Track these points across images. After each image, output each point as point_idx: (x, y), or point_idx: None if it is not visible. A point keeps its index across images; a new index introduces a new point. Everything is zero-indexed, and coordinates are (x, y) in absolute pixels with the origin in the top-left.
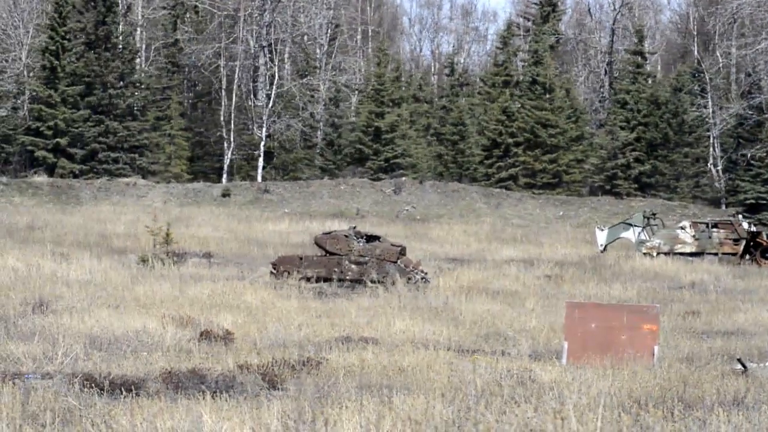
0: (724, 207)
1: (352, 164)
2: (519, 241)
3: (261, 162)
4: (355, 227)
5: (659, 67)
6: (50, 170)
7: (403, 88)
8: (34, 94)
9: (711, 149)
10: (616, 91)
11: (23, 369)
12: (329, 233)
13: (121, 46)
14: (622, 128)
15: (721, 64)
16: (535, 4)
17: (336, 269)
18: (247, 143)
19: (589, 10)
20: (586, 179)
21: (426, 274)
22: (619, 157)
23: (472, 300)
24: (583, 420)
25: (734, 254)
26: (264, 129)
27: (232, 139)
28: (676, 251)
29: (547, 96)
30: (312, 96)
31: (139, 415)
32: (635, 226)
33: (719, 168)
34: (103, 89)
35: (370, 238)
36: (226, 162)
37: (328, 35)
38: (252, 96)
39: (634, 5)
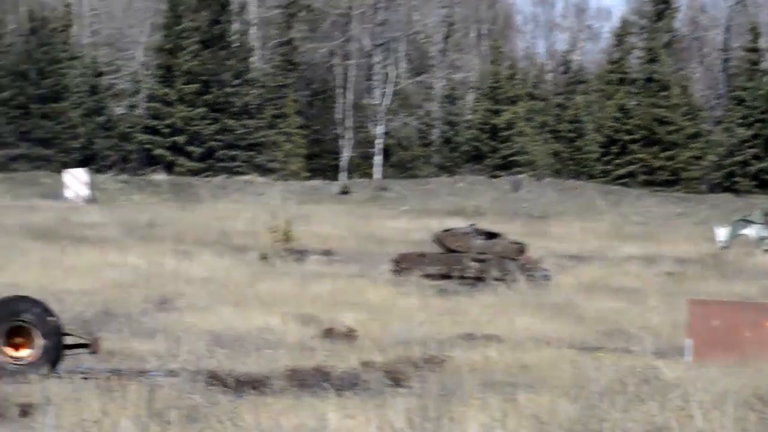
0: None
1: (470, 162)
2: (639, 239)
3: (378, 159)
4: (474, 225)
5: None
6: (169, 168)
7: (519, 86)
8: (151, 92)
9: None
10: (732, 88)
11: (148, 366)
12: (449, 230)
13: (235, 45)
14: (739, 125)
15: None
16: (649, 1)
17: (457, 267)
18: (364, 141)
19: (702, 7)
20: (704, 176)
21: (547, 271)
22: (737, 155)
23: (593, 297)
24: (709, 418)
25: None
26: (381, 127)
27: (349, 137)
28: None
29: (663, 93)
30: (427, 94)
31: (264, 413)
32: (756, 223)
33: None
34: (219, 87)
35: (490, 236)
36: (344, 160)
37: (443, 33)
38: (367, 94)
39: (748, 2)
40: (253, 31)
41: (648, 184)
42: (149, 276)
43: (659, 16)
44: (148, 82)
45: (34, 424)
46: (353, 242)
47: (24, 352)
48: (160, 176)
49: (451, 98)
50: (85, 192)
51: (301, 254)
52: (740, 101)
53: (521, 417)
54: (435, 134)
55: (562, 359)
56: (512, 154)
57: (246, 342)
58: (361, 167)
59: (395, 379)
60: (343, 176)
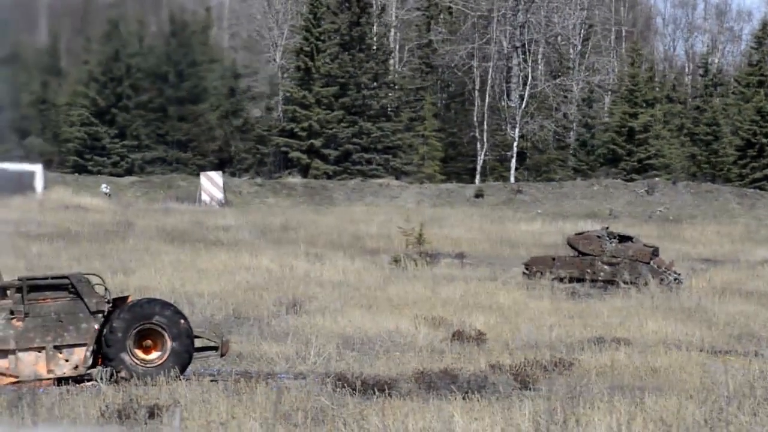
0: None
1: (605, 165)
2: None
3: (514, 163)
4: (607, 228)
5: None
6: (304, 171)
7: (657, 89)
8: (288, 95)
9: None
10: None
11: (276, 369)
12: (582, 234)
13: (375, 47)
14: None
15: None
16: None
17: (588, 270)
18: (500, 144)
19: None
20: None
21: (679, 274)
22: None
23: (725, 301)
24: None
25: None
26: (517, 129)
27: (485, 140)
28: None
29: None
30: (565, 96)
31: (390, 415)
32: None
33: None
34: (357, 90)
35: (623, 239)
36: (479, 163)
37: (582, 35)
38: (505, 96)
39: None
40: (392, 33)
41: None
42: (281, 279)
43: None
44: (285, 84)
45: (161, 426)
46: (486, 245)
47: (154, 355)
48: (295, 179)
49: (588, 101)
50: (219, 195)
51: (433, 257)
52: None
53: (648, 420)
54: (571, 137)
55: (691, 363)
56: (648, 157)
57: (375, 345)
58: (496, 170)
59: (523, 381)
60: (477, 179)
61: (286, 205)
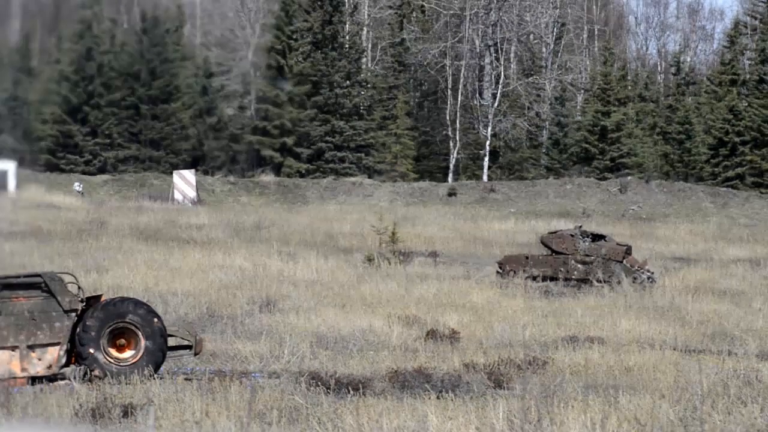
0: None
1: (578, 163)
2: (746, 241)
3: (486, 161)
4: (580, 226)
5: None
6: (277, 169)
7: (629, 87)
8: (261, 93)
9: None
10: None
11: (250, 367)
12: (555, 233)
13: (347, 46)
14: None
15: None
16: (763, 2)
17: (562, 269)
18: (473, 142)
19: None
20: None
21: (652, 273)
22: None
23: (698, 299)
24: None
25: None
26: (489, 128)
27: (458, 139)
28: None
29: None
30: (538, 95)
31: (365, 414)
32: None
33: None
34: (330, 89)
35: (596, 238)
36: (452, 161)
37: (554, 34)
38: (478, 95)
39: None
40: (365, 32)
41: (757, 186)
42: (254, 277)
43: None
44: (258, 83)
45: (135, 425)
46: (459, 244)
47: (127, 354)
48: (268, 178)
49: (560, 99)
50: (192, 194)
51: (406, 256)
52: None
53: (622, 419)
54: (544, 136)
55: (665, 362)
56: (621, 156)
57: (349, 343)
58: (469, 169)
59: (497, 380)
60: (450, 178)
61: (259, 203)
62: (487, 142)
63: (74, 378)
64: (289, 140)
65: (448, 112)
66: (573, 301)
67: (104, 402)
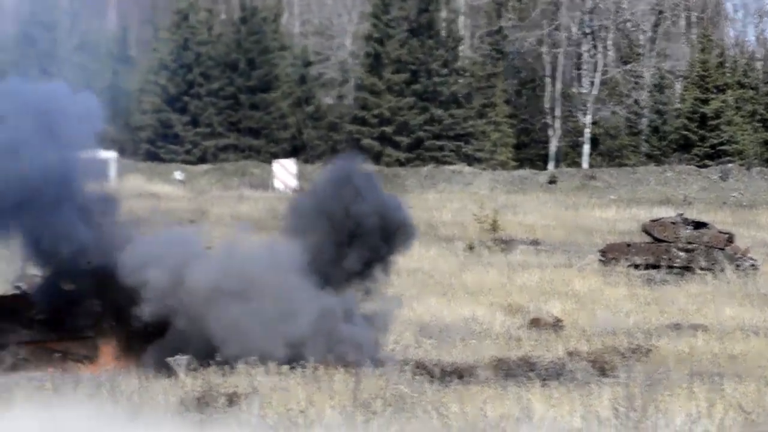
0: None
1: (678, 151)
2: None
3: (587, 149)
4: (682, 214)
5: None
6: (376, 158)
7: (728, 74)
8: (359, 82)
9: None
10: None
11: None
12: (657, 220)
13: (444, 34)
14: None
15: None
16: None
17: (664, 256)
18: (573, 130)
19: None
20: None
21: (755, 260)
22: None
23: None
24: None
25: None
26: (589, 116)
27: (557, 126)
28: None
29: None
30: (636, 83)
31: (469, 402)
32: None
33: None
34: (428, 77)
35: (698, 225)
36: (552, 149)
37: (652, 21)
38: (576, 83)
39: None
40: (461, 19)
41: None
42: None
43: None
44: (356, 71)
45: (241, 414)
46: (560, 232)
47: None
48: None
49: (659, 87)
50: (293, 182)
51: (507, 244)
52: None
53: (728, 407)
54: (643, 123)
55: None
56: (721, 143)
57: (452, 332)
58: (569, 156)
59: (601, 368)
60: (550, 165)
61: None
62: (587, 130)
63: (179, 366)
64: (388, 129)
65: (546, 99)
66: (676, 289)
67: (209, 391)
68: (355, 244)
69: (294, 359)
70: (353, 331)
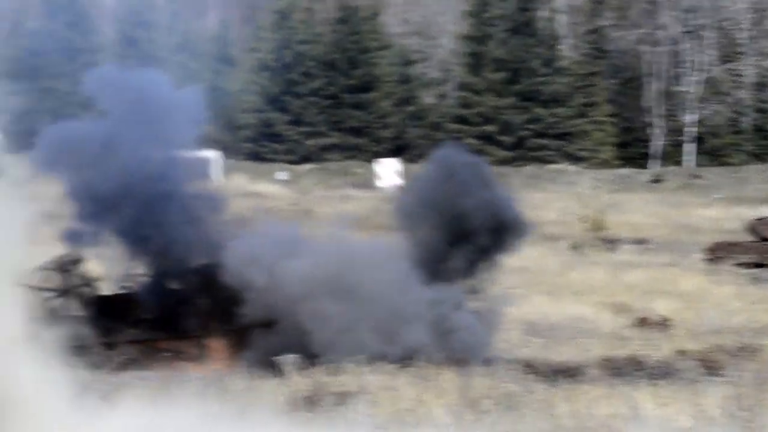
0: None
1: None
2: None
3: (690, 147)
4: None
5: None
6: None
7: None
8: (460, 81)
9: None
10: None
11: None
12: (763, 219)
13: (543, 33)
14: None
15: None
16: None
17: None
18: (675, 129)
19: None
20: None
21: None
22: None
23: None
24: None
25: None
26: (691, 115)
27: (659, 125)
28: None
29: None
30: (737, 81)
31: (577, 402)
32: None
33: None
34: (528, 76)
35: None
36: (654, 148)
37: (751, 19)
38: (677, 81)
39: None
40: (561, 18)
41: None
42: None
43: None
44: (456, 70)
45: (350, 413)
46: (665, 231)
47: None
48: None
49: (761, 85)
50: (397, 181)
51: (612, 243)
52: None
53: None
54: (746, 122)
55: None
56: None
57: (560, 331)
58: (671, 155)
59: (709, 367)
60: (653, 164)
61: None
62: (690, 129)
63: (287, 365)
64: (490, 128)
65: (647, 98)
66: None
67: (318, 390)
68: (462, 241)
69: (403, 358)
70: (464, 329)
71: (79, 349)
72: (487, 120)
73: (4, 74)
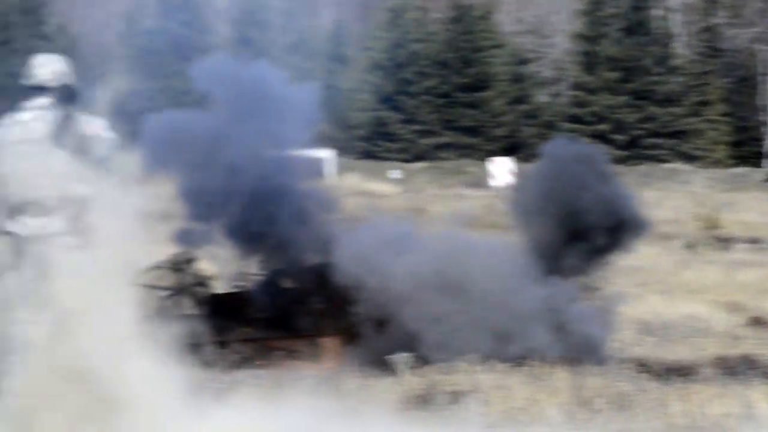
0: None
1: None
2: None
3: None
4: None
5: None
6: None
7: None
8: (574, 80)
9: None
10: None
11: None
12: None
13: (657, 31)
14: None
15: None
16: None
17: None
18: None
19: None
20: None
21: None
22: None
23: None
24: None
25: None
26: None
27: None
28: None
29: None
30: None
31: (690, 401)
32: None
33: None
34: (642, 75)
35: None
36: (766, 147)
37: None
38: None
39: None
40: (675, 17)
41: None
42: None
43: None
44: (570, 69)
45: (463, 412)
46: None
47: None
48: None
49: None
50: (510, 180)
51: (726, 242)
52: None
53: None
54: None
55: None
56: None
57: (673, 330)
58: None
59: None
60: (765, 163)
61: None
62: None
63: (400, 364)
64: (604, 127)
65: (762, 97)
66: None
67: (431, 389)
68: (576, 239)
69: (517, 357)
70: (580, 327)
71: (192, 348)
72: (601, 119)
73: (120, 73)
